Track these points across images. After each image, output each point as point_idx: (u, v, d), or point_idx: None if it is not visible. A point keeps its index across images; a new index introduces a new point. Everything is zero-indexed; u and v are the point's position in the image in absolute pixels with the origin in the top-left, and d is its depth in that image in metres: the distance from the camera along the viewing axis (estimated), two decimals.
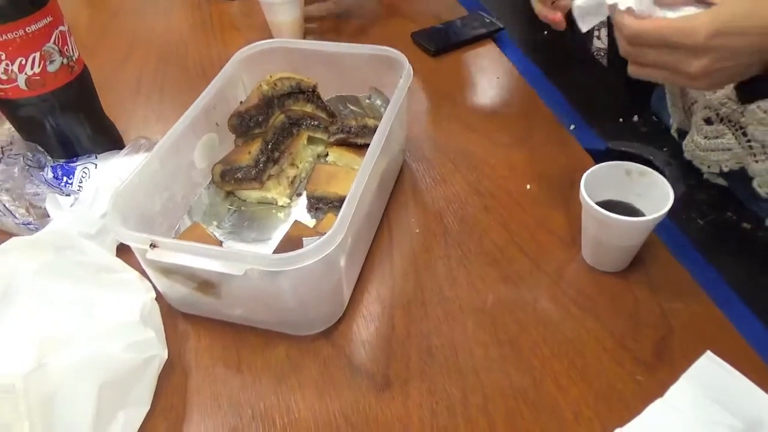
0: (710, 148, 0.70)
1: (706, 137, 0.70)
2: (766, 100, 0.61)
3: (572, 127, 0.83)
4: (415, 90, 0.91)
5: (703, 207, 0.70)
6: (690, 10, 0.52)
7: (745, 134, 0.66)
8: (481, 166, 0.77)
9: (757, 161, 0.66)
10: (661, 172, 0.72)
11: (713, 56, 0.50)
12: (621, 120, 0.81)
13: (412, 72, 0.70)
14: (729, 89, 0.66)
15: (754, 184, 0.68)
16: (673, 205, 0.70)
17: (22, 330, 0.51)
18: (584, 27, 0.59)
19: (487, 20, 1.01)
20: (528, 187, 0.74)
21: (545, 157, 0.78)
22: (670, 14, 0.53)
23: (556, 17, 0.67)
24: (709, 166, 0.72)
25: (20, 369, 0.46)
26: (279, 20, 0.99)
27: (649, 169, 0.61)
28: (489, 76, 0.95)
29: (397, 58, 0.71)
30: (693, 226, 0.70)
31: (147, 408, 0.54)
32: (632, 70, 0.57)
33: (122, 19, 1.16)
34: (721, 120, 0.68)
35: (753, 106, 0.63)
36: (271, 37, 1.00)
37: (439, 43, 0.98)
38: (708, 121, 0.70)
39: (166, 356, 0.56)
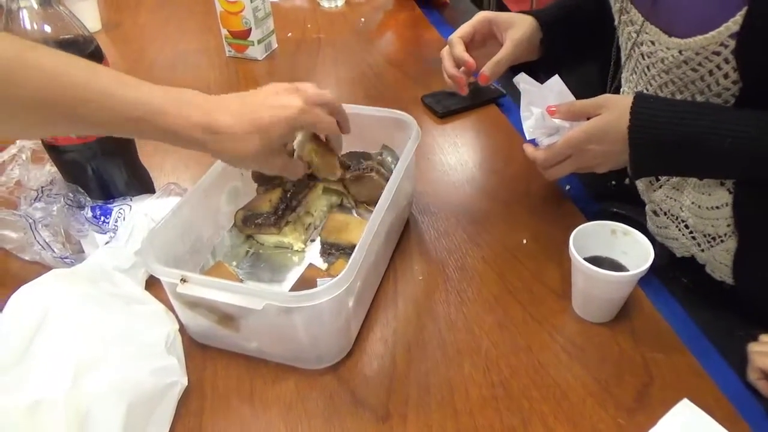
0: (662, 236, 0.77)
1: (657, 226, 0.77)
2: (698, 196, 0.70)
3: (567, 187, 0.89)
4: (423, 149, 0.98)
5: (686, 266, 0.76)
6: (564, 130, 0.72)
7: (687, 226, 0.73)
8: (482, 221, 0.84)
9: (702, 250, 0.72)
10: (650, 233, 0.78)
11: (589, 155, 0.69)
12: (613, 183, 0.87)
13: (420, 133, 0.77)
14: (667, 188, 0.74)
15: (707, 269, 0.73)
16: (658, 263, 0.75)
17: (60, 353, 0.56)
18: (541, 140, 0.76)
19: (492, 87, 1.10)
20: (524, 241, 0.80)
21: (542, 215, 0.85)
22: (546, 140, 0.74)
23: (461, 79, 0.83)
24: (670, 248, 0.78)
25: (60, 387, 0.51)
26: None
27: (633, 229, 0.67)
28: (491, 137, 1.02)
29: (406, 120, 0.78)
30: (676, 283, 0.75)
31: (167, 430, 0.59)
32: (548, 175, 0.75)
33: (156, 73, 1.25)
34: (665, 213, 0.76)
35: (688, 202, 0.71)
36: None
37: (447, 107, 1.06)
38: (655, 213, 0.77)
39: (186, 383, 0.61)
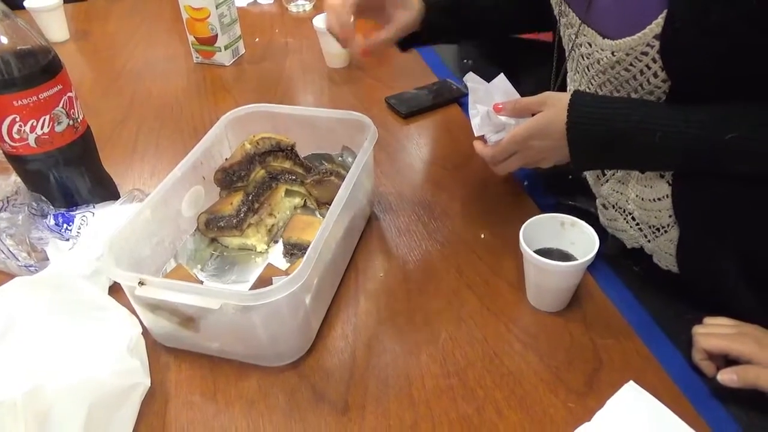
0: (612, 228, 0.79)
1: (607, 219, 0.80)
2: (641, 189, 0.72)
3: (525, 183, 0.92)
4: (387, 148, 1.00)
5: (636, 256, 0.78)
6: (510, 127, 0.73)
7: (633, 218, 0.75)
8: (442, 217, 0.86)
9: (649, 241, 0.75)
10: (604, 226, 0.80)
11: (533, 150, 0.71)
12: (570, 177, 0.90)
13: (377, 134, 0.79)
14: (613, 182, 0.77)
15: (654, 259, 0.76)
16: (610, 253, 0.77)
17: (22, 357, 0.57)
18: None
19: (454, 87, 1.13)
20: (482, 236, 0.82)
21: (500, 210, 0.87)
22: (494, 137, 0.75)
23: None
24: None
25: (20, 388, 0.53)
26: (331, 51, 1.23)
27: (579, 220, 0.69)
28: (453, 136, 1.05)
29: (364, 121, 0.80)
30: (628, 271, 0.78)
31: (130, 430, 0.60)
32: (497, 171, 0.77)
33: (123, 81, 1.26)
34: (613, 206, 0.78)
35: (632, 195, 0.74)
36: (255, 101, 1.10)
37: (410, 107, 1.08)
38: (604, 206, 0.80)
39: (149, 384, 0.63)
